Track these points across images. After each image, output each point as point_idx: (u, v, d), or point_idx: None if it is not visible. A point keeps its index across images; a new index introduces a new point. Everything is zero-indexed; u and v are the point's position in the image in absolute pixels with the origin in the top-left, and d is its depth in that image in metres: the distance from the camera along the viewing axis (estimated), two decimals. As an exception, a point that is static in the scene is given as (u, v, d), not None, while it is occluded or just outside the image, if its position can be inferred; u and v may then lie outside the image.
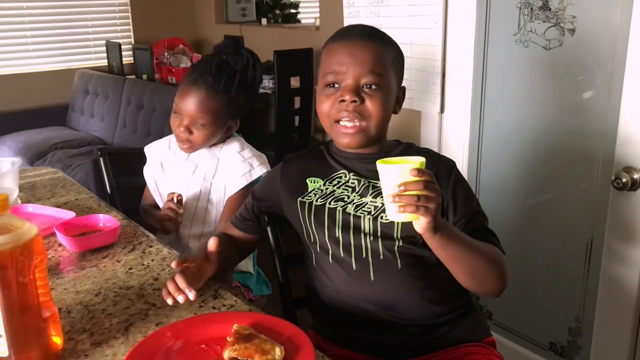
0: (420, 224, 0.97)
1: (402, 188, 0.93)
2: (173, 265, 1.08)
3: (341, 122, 1.15)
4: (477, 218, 1.18)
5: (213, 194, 1.60)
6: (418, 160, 0.96)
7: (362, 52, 1.13)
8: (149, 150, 1.73)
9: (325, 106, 1.16)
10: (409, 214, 0.94)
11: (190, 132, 1.53)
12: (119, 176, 1.88)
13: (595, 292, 1.78)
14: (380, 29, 1.21)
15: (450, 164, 1.20)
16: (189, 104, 1.51)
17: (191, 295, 1.04)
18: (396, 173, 0.94)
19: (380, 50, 1.15)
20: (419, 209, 0.93)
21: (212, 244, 1.15)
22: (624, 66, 1.56)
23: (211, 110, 1.51)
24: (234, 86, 1.53)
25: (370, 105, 1.13)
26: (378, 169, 0.97)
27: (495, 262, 1.11)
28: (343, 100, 1.13)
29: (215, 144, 1.61)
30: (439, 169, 1.16)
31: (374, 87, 1.13)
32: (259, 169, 1.56)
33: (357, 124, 1.14)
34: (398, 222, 1.13)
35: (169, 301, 1.06)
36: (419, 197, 0.93)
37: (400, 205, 0.93)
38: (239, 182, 1.55)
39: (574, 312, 1.88)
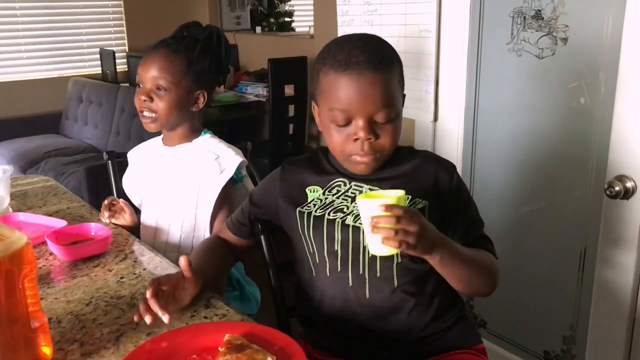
0: (412, 254, 0.99)
1: (375, 221, 0.94)
2: (147, 294, 1.03)
3: (357, 157, 1.12)
4: (476, 226, 1.20)
5: (187, 196, 1.53)
6: (396, 195, 0.97)
7: (371, 87, 1.06)
8: (131, 154, 1.71)
9: (336, 141, 1.11)
10: (389, 247, 0.95)
11: (151, 99, 1.47)
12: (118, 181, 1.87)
13: (589, 300, 1.78)
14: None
15: (452, 168, 1.19)
16: (148, 67, 1.47)
17: (165, 318, 1.02)
18: (370, 207, 0.95)
19: (388, 79, 1.08)
20: (400, 244, 0.94)
21: (182, 263, 1.10)
22: (616, 74, 1.56)
23: (171, 69, 1.46)
24: (196, 50, 1.50)
25: (384, 138, 1.10)
26: (357, 203, 1.00)
27: (489, 270, 1.14)
28: (357, 139, 1.09)
29: (186, 139, 1.56)
30: (439, 174, 1.17)
31: (387, 118, 1.08)
32: (234, 160, 1.50)
33: (372, 155, 1.11)
34: None
35: (135, 318, 1.05)
36: (397, 231, 0.93)
37: (378, 233, 0.94)
38: (218, 182, 1.49)
39: (568, 320, 1.88)
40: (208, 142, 1.56)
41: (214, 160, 1.51)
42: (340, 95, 1.07)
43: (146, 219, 1.62)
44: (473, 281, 1.12)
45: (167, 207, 1.56)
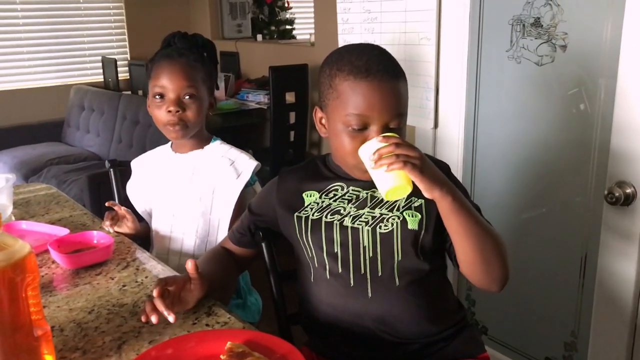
0: (419, 184, 0.99)
1: (376, 157, 0.99)
2: (154, 293, 1.05)
3: None
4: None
5: (201, 200, 1.55)
6: (390, 134, 1.05)
7: (390, 95, 1.08)
8: (136, 163, 1.72)
9: (348, 146, 1.11)
10: (397, 177, 0.99)
11: (182, 108, 1.48)
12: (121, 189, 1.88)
13: (590, 306, 1.78)
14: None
15: (446, 168, 1.20)
16: (174, 76, 1.47)
17: (170, 318, 1.04)
18: (370, 148, 1.02)
19: (403, 88, 1.12)
20: (405, 165, 0.97)
21: (189, 267, 1.11)
22: (615, 80, 1.57)
23: (196, 77, 1.50)
24: (204, 58, 1.54)
25: None
26: (359, 154, 1.05)
27: (500, 239, 1.10)
28: None
29: (197, 146, 1.58)
30: None
31: (399, 126, 1.11)
32: (250, 164, 1.53)
33: None
34: (397, 232, 1.14)
35: (142, 318, 1.06)
36: (398, 155, 0.98)
37: (382, 165, 0.98)
38: (236, 187, 1.51)
39: (570, 326, 1.88)
40: (220, 148, 1.58)
41: (229, 166, 1.53)
42: (359, 101, 1.08)
43: (159, 226, 1.62)
44: (487, 245, 1.07)
45: (181, 213, 1.58)
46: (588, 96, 1.70)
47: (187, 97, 1.49)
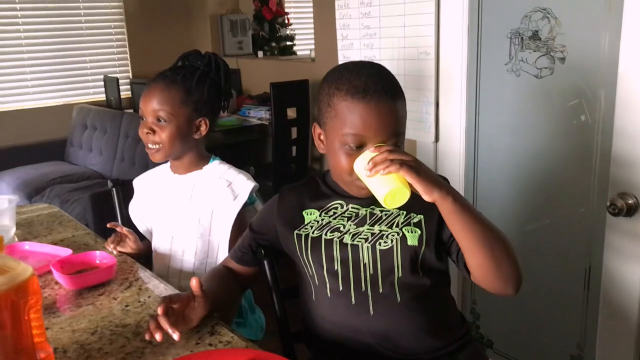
0: (417, 186, 0.99)
1: (370, 165, 1.01)
2: (159, 310, 1.05)
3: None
4: None
5: (200, 222, 1.56)
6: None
7: (387, 116, 1.09)
8: (137, 182, 1.72)
9: (344, 164, 1.13)
10: (394, 180, 1.00)
11: (153, 131, 1.51)
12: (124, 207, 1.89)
13: (595, 318, 1.77)
14: (375, 61, 1.22)
15: (446, 180, 1.20)
16: (148, 100, 1.51)
17: (175, 335, 1.04)
18: (364, 160, 1.04)
19: (401, 108, 1.12)
20: (401, 166, 0.98)
21: (194, 284, 1.11)
22: (614, 91, 1.58)
23: (169, 100, 1.50)
24: (194, 79, 1.53)
25: None
26: (354, 168, 1.09)
27: (507, 239, 1.08)
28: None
29: (195, 166, 1.58)
30: None
31: (396, 146, 1.11)
32: (248, 185, 1.53)
33: None
34: (397, 248, 1.14)
35: (147, 336, 1.06)
36: (393, 160, 0.99)
37: (377, 171, 0.99)
38: (233, 208, 1.52)
39: (575, 339, 1.86)
40: (218, 169, 1.58)
41: (226, 187, 1.53)
42: (356, 121, 1.09)
43: (159, 246, 1.63)
44: (495, 245, 1.04)
45: (181, 234, 1.58)
46: (588, 107, 1.71)
47: (158, 119, 1.51)
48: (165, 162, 1.64)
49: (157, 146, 1.53)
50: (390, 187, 1.00)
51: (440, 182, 1.02)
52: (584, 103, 1.71)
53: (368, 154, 1.04)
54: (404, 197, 1.02)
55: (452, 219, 1.04)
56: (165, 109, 1.50)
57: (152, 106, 1.50)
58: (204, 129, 1.56)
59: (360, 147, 1.10)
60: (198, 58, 1.58)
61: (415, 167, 0.99)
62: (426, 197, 1.00)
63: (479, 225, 1.04)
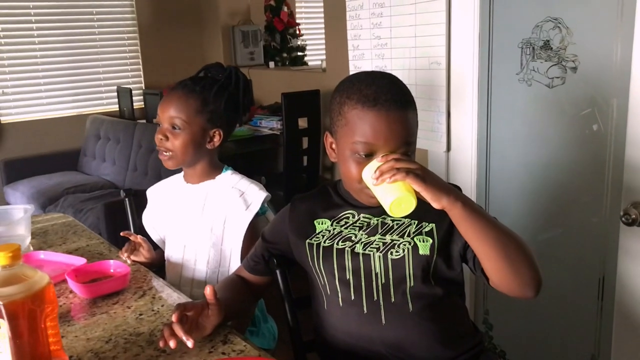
0: (425, 194, 0.99)
1: (377, 173, 1.01)
2: (173, 317, 1.06)
3: None
4: None
5: (212, 231, 1.57)
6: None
7: (397, 125, 1.10)
8: (151, 192, 1.74)
9: (354, 172, 1.13)
10: (400, 189, 1.00)
11: (167, 137, 1.53)
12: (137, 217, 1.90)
13: (610, 329, 1.75)
14: (387, 71, 1.22)
15: (458, 188, 1.20)
16: (166, 107, 1.53)
17: (189, 343, 1.04)
18: (371, 168, 1.05)
19: (411, 117, 1.13)
20: (407, 174, 0.98)
21: (208, 292, 1.12)
22: (627, 100, 1.57)
23: (185, 109, 1.52)
24: (212, 90, 1.54)
25: None
26: (362, 176, 1.09)
27: (523, 241, 1.07)
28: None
29: (207, 176, 1.60)
30: None
31: (406, 155, 1.11)
32: (260, 196, 1.54)
33: None
34: (408, 258, 1.14)
35: (160, 344, 1.06)
36: (399, 168, 0.99)
37: (384, 179, 0.99)
38: (245, 218, 1.53)
39: (589, 350, 1.85)
40: (231, 179, 1.59)
41: (239, 197, 1.54)
42: (366, 129, 1.10)
43: (171, 255, 1.64)
44: (511, 248, 1.03)
45: (193, 244, 1.59)
46: (601, 116, 1.70)
47: (172, 127, 1.53)
48: (179, 170, 1.65)
49: (170, 153, 1.55)
50: (395, 196, 1.00)
51: (448, 189, 1.02)
52: (596, 112, 1.71)
53: (375, 162, 1.05)
54: (410, 205, 1.02)
55: (464, 225, 1.04)
56: (180, 117, 1.52)
57: (169, 113, 1.53)
58: (217, 140, 1.57)
59: (370, 156, 1.11)
60: (220, 70, 1.60)
61: (422, 175, 0.99)
62: (435, 204, 1.00)
63: (492, 229, 1.03)
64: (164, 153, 1.56)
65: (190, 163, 1.58)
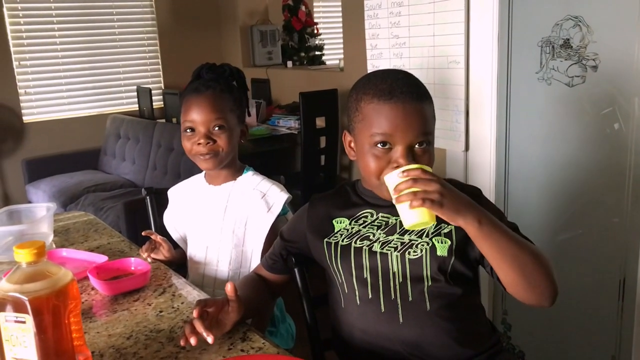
0: (441, 216, 1.00)
1: (398, 190, 1.01)
2: (194, 313, 1.07)
3: None
4: (511, 228, 1.14)
5: (234, 232, 1.58)
6: (417, 165, 1.05)
7: (413, 117, 1.11)
8: (172, 192, 1.75)
9: (373, 166, 1.14)
10: (419, 214, 1.00)
11: (212, 140, 1.51)
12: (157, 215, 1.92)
13: (631, 330, 1.73)
14: (404, 70, 1.23)
15: (476, 192, 1.19)
16: (202, 110, 1.51)
17: (209, 339, 1.05)
18: (393, 179, 1.04)
19: (428, 110, 1.14)
20: (424, 202, 0.97)
21: (229, 288, 1.13)
22: (648, 100, 1.56)
23: (224, 108, 1.52)
24: (233, 88, 1.56)
25: (421, 163, 1.11)
26: (385, 180, 1.07)
27: (539, 255, 1.07)
28: (397, 166, 1.10)
29: (230, 177, 1.60)
30: None
31: (424, 145, 1.12)
32: (281, 197, 1.54)
33: None
34: (426, 258, 1.14)
35: (182, 342, 1.07)
36: (417, 192, 0.98)
37: (402, 202, 0.99)
38: (267, 220, 1.53)
39: (610, 351, 1.83)
40: (252, 180, 1.60)
41: (260, 198, 1.55)
42: (383, 121, 1.11)
43: (194, 255, 1.65)
44: (526, 264, 1.04)
45: (215, 244, 1.60)
46: (622, 115, 1.68)
47: (216, 128, 1.52)
48: (198, 170, 1.66)
49: (213, 153, 1.52)
50: (414, 221, 1.02)
51: (465, 208, 1.01)
52: (617, 111, 1.69)
53: (395, 177, 1.03)
54: (428, 225, 1.04)
55: (479, 242, 1.05)
56: (223, 117, 1.52)
57: (209, 115, 1.50)
58: (242, 137, 1.60)
59: (388, 148, 1.11)
60: (220, 70, 1.60)
61: (439, 201, 0.98)
62: (451, 223, 1.03)
63: (508, 245, 1.04)
64: (207, 155, 1.52)
65: (229, 162, 1.59)
